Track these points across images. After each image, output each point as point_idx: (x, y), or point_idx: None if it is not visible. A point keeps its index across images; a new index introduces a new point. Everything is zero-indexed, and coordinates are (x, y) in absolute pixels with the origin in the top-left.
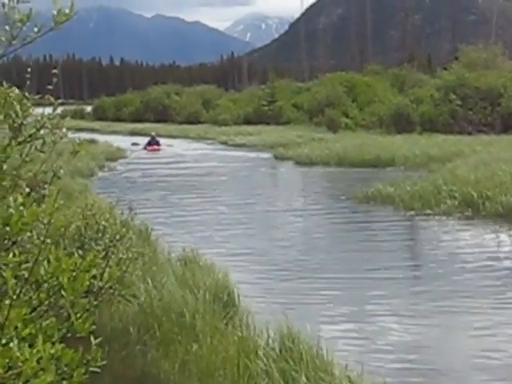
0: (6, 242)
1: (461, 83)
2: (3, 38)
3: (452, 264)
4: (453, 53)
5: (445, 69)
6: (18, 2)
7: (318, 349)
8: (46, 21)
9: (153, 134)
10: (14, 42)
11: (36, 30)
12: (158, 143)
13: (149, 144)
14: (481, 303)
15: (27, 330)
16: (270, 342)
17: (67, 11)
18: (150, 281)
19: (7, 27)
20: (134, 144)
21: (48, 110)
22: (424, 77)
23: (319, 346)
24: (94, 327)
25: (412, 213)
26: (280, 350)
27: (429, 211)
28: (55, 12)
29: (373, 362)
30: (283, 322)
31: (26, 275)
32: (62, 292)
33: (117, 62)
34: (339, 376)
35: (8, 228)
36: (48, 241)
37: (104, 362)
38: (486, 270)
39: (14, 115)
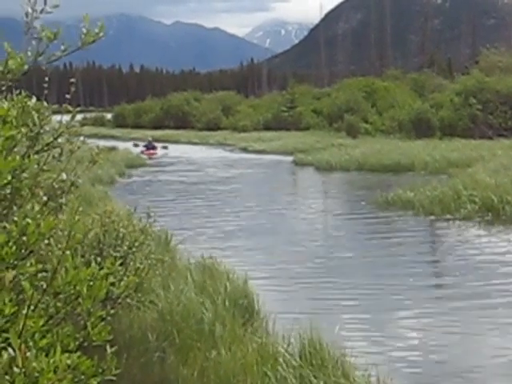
0: (22, 251)
1: (481, 87)
2: (29, 53)
3: (473, 269)
4: (473, 57)
5: (463, 74)
6: (41, 12)
7: (339, 355)
8: (65, 29)
9: (150, 138)
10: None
11: (62, 48)
12: (154, 147)
13: (146, 148)
14: (502, 308)
15: (44, 341)
16: (291, 348)
17: (97, 30)
18: (169, 287)
19: (34, 42)
20: (135, 145)
21: (67, 118)
22: (444, 81)
23: (341, 351)
24: (110, 337)
25: (432, 218)
26: (300, 357)
27: (449, 216)
28: (84, 30)
29: (395, 369)
30: (304, 329)
31: (45, 286)
32: (79, 300)
33: (137, 69)
34: (360, 383)
35: (25, 238)
36: (67, 252)
37: (119, 371)
38: (507, 274)
39: (31, 124)
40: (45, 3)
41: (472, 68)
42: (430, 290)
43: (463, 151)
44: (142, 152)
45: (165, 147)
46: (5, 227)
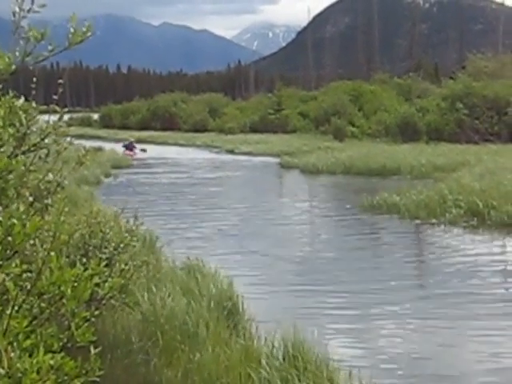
0: (8, 251)
1: (468, 92)
2: (17, 53)
3: (457, 273)
4: (460, 62)
5: (451, 78)
6: (28, 12)
7: (322, 358)
8: (52, 29)
9: (131, 139)
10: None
11: (50, 48)
12: (132, 149)
13: (126, 148)
14: (487, 312)
15: (28, 341)
16: (274, 350)
17: (84, 29)
18: (153, 289)
19: (21, 42)
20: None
21: (54, 118)
22: (431, 86)
23: (324, 355)
24: (94, 338)
25: (417, 222)
26: (284, 359)
27: (434, 220)
28: (72, 30)
29: (378, 371)
30: (288, 331)
31: (29, 286)
32: (64, 301)
33: (124, 70)
34: None
35: (10, 238)
36: (52, 253)
37: (102, 372)
38: (491, 279)
39: (18, 124)
40: (32, 3)
41: (459, 73)
42: (413, 294)
43: (449, 156)
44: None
45: (143, 150)
46: None
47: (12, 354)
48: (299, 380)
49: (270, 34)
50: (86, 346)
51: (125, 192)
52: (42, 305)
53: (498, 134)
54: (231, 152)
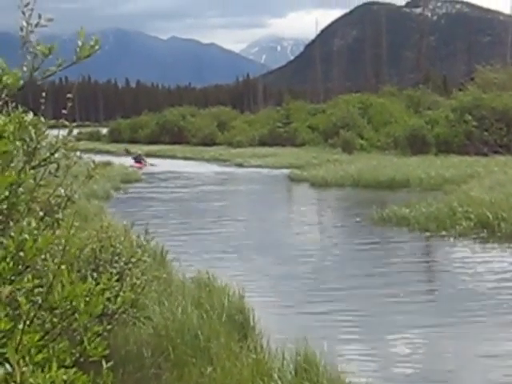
0: (19, 266)
1: (477, 104)
2: (25, 68)
3: (468, 285)
4: (468, 74)
5: (460, 90)
6: (36, 26)
7: (334, 371)
8: (61, 43)
9: (139, 152)
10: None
11: (58, 62)
12: (140, 161)
13: (134, 161)
14: (497, 324)
15: (40, 356)
16: (285, 364)
17: (92, 43)
18: (164, 303)
19: (29, 57)
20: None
21: (63, 133)
22: (439, 98)
23: (335, 368)
24: (106, 352)
25: (427, 234)
26: (295, 372)
27: (444, 233)
28: (79, 43)
29: None
30: (299, 344)
31: (40, 301)
32: (76, 315)
33: (132, 84)
34: None
35: (22, 253)
36: (63, 267)
37: None
38: (502, 291)
39: (28, 139)
40: (39, 17)
41: (468, 85)
42: (425, 308)
43: (458, 168)
44: (132, 165)
45: (152, 164)
46: (1, 242)
47: (24, 369)
48: None
49: (278, 48)
50: (99, 360)
51: (135, 206)
52: (54, 320)
53: (507, 146)
54: (240, 165)
